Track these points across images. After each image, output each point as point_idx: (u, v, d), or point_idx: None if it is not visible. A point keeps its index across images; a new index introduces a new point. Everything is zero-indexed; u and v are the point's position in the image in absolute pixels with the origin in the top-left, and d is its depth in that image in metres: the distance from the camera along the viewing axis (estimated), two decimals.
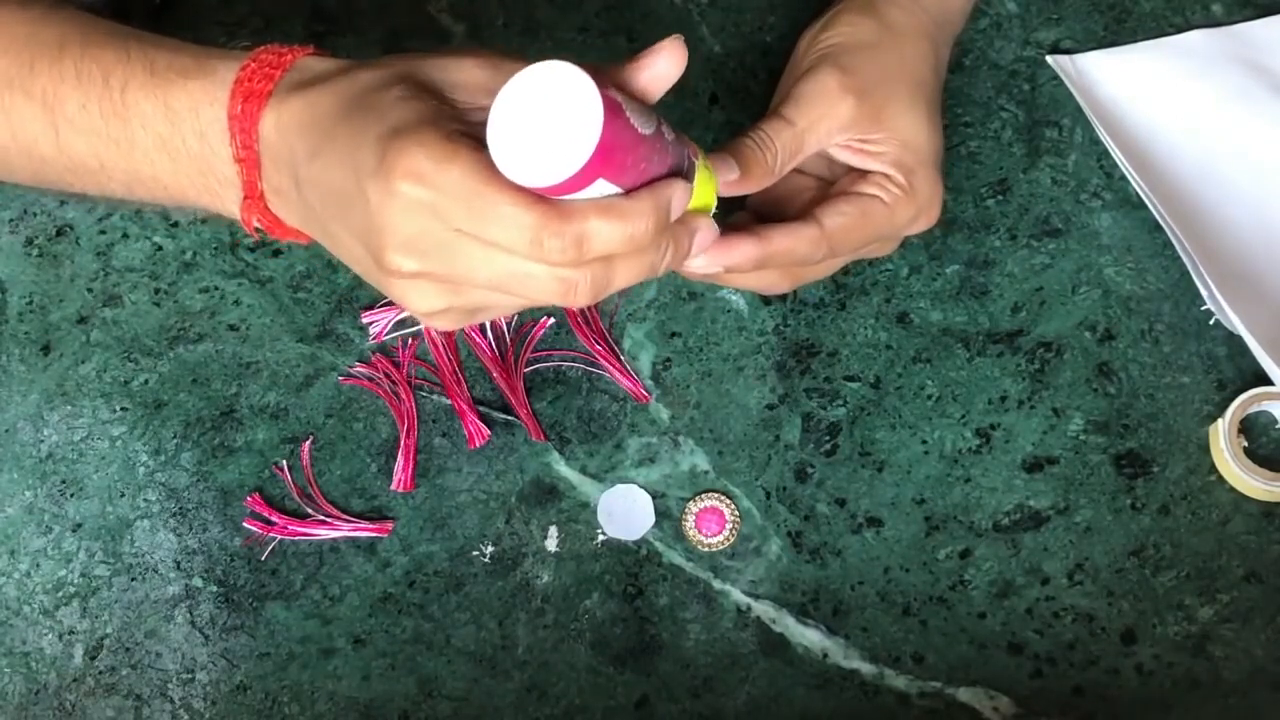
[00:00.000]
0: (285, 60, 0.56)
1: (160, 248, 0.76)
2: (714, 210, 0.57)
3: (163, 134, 0.57)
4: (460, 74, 0.53)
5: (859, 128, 0.63)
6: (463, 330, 0.74)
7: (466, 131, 0.50)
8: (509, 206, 0.48)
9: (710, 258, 0.60)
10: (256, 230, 0.58)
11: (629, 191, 0.50)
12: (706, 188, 0.56)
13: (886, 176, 0.63)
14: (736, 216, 0.65)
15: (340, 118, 0.52)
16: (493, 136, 0.48)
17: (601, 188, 0.49)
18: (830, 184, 0.66)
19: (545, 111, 0.47)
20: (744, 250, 0.60)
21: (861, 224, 0.63)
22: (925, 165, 0.64)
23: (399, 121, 0.50)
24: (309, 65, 0.56)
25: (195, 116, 0.56)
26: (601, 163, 0.47)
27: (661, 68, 0.53)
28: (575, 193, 0.48)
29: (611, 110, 0.47)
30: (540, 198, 0.48)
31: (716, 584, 0.71)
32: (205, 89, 0.56)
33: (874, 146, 0.63)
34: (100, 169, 0.59)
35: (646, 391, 0.73)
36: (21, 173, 0.62)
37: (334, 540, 0.72)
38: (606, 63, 0.53)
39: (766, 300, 0.74)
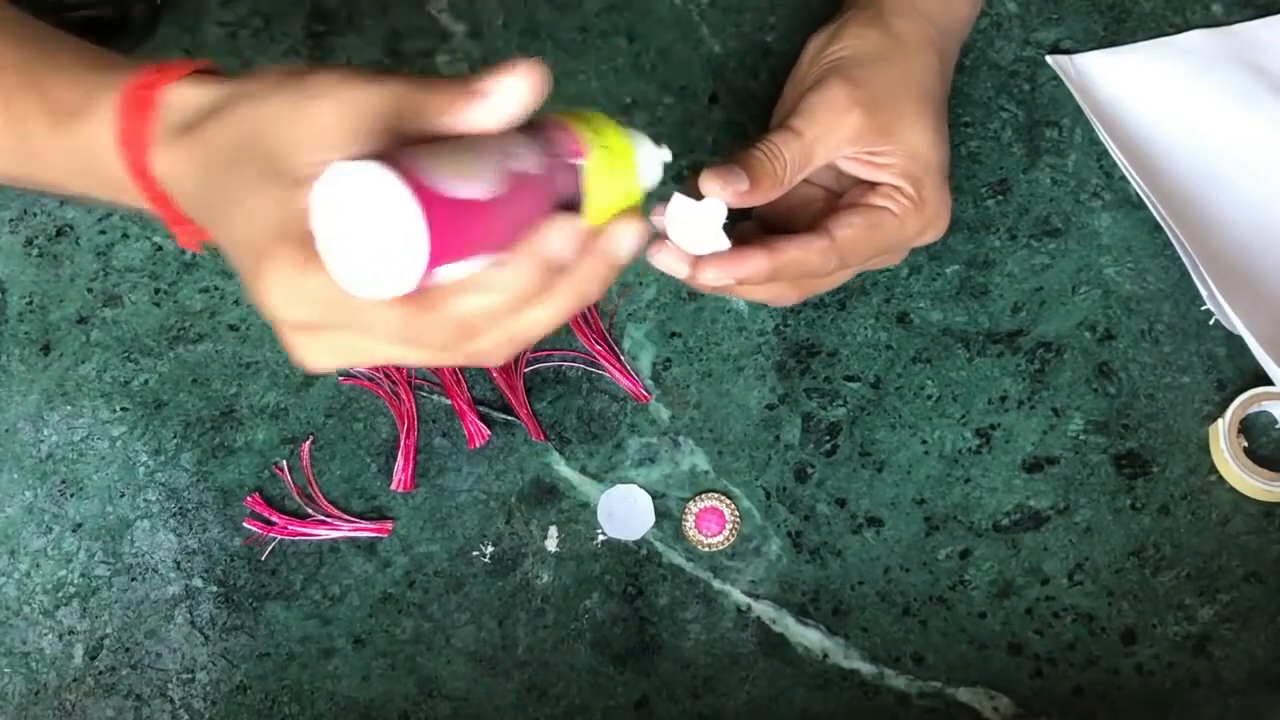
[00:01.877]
0: (152, 98, 0.51)
1: (160, 248, 0.76)
2: (647, 191, 0.51)
3: (77, 167, 0.53)
4: (307, 130, 0.47)
5: (867, 140, 0.63)
6: None
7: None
8: (374, 310, 0.45)
9: (721, 271, 0.60)
10: (202, 246, 0.54)
11: (504, 244, 0.45)
12: (610, 182, 0.49)
13: (895, 188, 0.63)
14: (742, 227, 0.65)
15: (216, 188, 0.49)
16: (324, 252, 0.43)
17: (467, 265, 0.44)
18: (838, 195, 0.66)
19: (365, 223, 0.42)
20: (755, 263, 0.60)
21: (871, 235, 0.63)
22: (933, 176, 0.64)
23: (260, 233, 0.46)
24: (183, 103, 0.50)
25: (96, 160, 0.52)
26: (445, 254, 0.42)
27: (499, 101, 0.47)
28: (438, 277, 0.44)
29: (437, 208, 0.41)
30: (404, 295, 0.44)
31: (716, 584, 0.71)
32: (96, 133, 0.52)
33: (882, 158, 0.63)
34: (28, 179, 0.56)
35: (646, 391, 0.73)
36: None
37: (334, 540, 0.72)
38: (436, 92, 0.47)
39: None
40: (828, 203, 0.66)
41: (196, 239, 0.53)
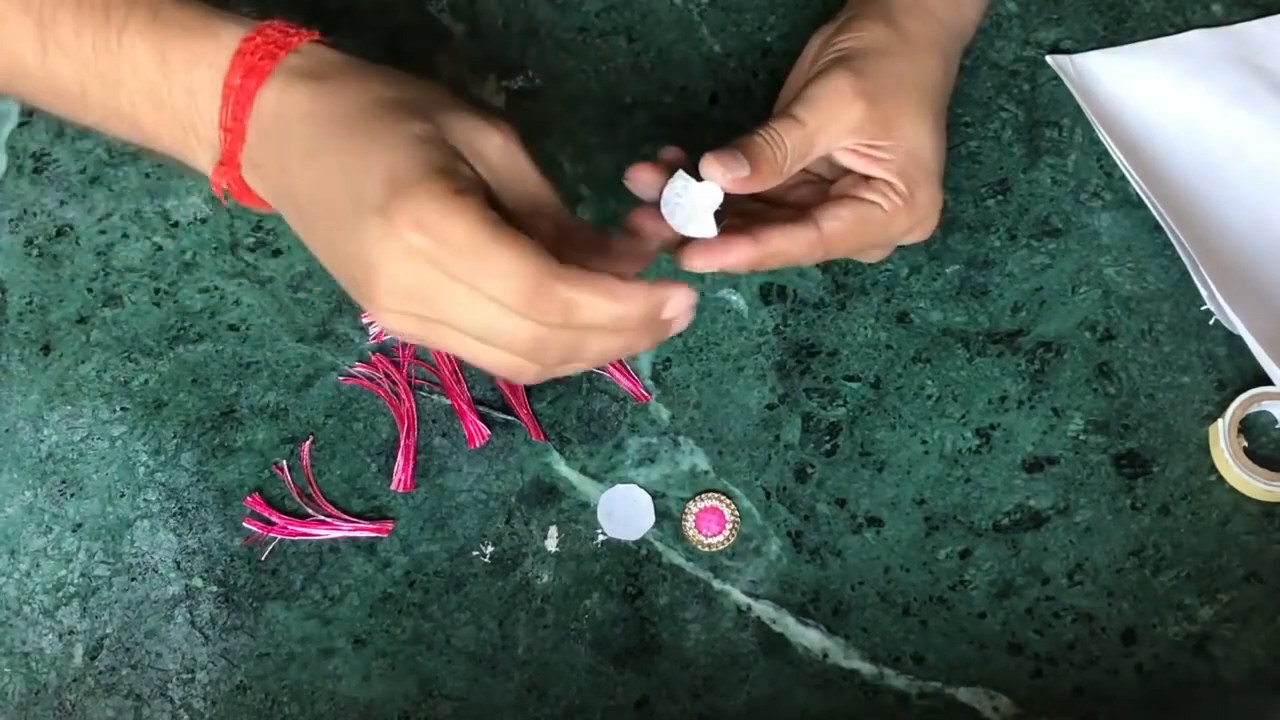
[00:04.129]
0: (292, 41, 0.56)
1: (160, 248, 0.76)
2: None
3: (152, 82, 0.57)
4: (484, 147, 0.54)
5: (868, 133, 0.63)
6: None
7: (471, 188, 0.51)
8: (512, 261, 0.50)
9: (707, 259, 0.60)
10: (224, 194, 0.58)
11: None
12: None
13: (888, 184, 0.63)
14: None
15: (348, 125, 0.53)
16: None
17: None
18: (828, 182, 0.66)
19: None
20: (741, 251, 0.60)
21: (858, 230, 0.63)
22: (928, 176, 0.64)
23: (411, 164, 0.51)
24: (318, 54, 0.56)
25: (189, 74, 0.56)
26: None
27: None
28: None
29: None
30: (542, 258, 0.50)
31: (716, 584, 0.71)
32: (205, 50, 0.56)
33: (880, 153, 0.63)
34: (81, 97, 0.59)
35: (646, 391, 0.73)
36: (0, 80, 0.61)
37: (334, 540, 0.72)
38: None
39: (767, 300, 0.74)
40: (818, 190, 0.66)
41: (233, 183, 0.57)
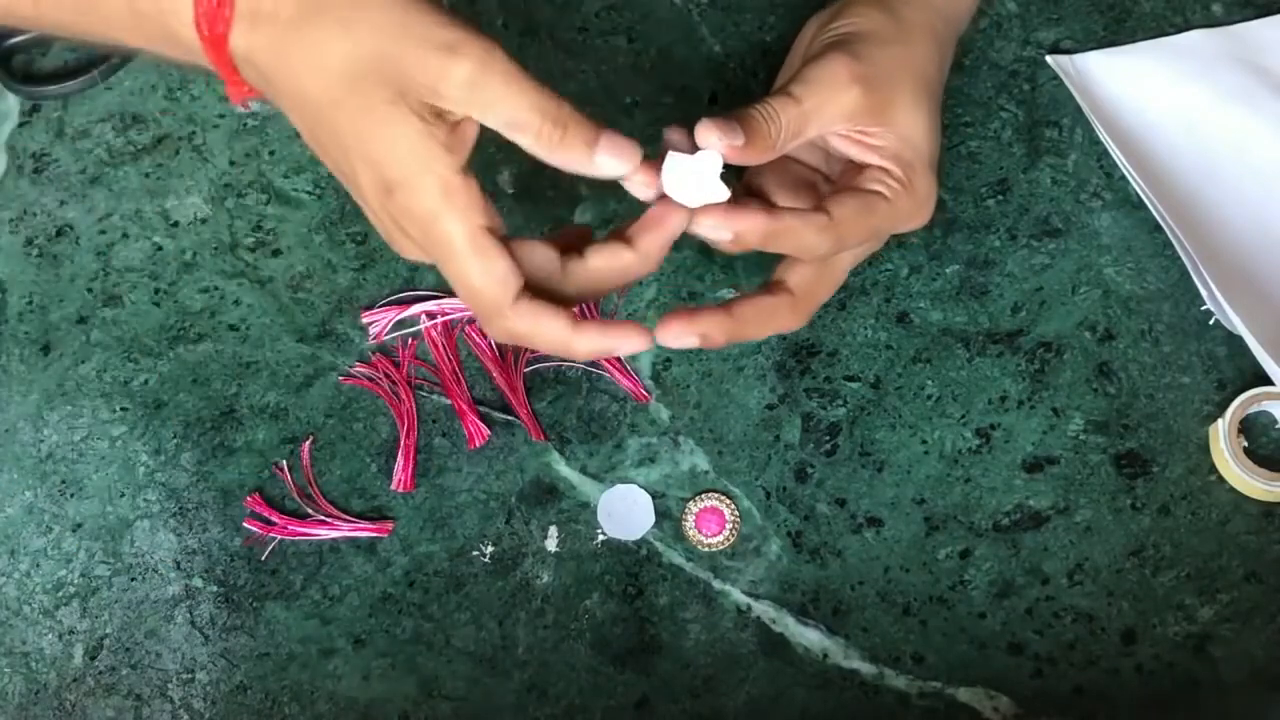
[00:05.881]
0: None
1: (160, 248, 0.76)
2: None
3: (143, 29, 0.57)
4: (450, 88, 0.55)
5: (862, 118, 0.63)
6: (463, 330, 0.74)
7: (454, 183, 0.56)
8: (468, 288, 0.57)
9: (719, 220, 0.59)
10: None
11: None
12: None
13: (885, 171, 0.63)
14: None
15: (316, 112, 0.56)
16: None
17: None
18: (827, 179, 0.66)
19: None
20: (754, 219, 0.59)
21: (866, 217, 0.62)
22: (923, 163, 0.64)
23: (393, 158, 0.55)
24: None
25: (164, 21, 0.56)
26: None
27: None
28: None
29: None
30: (499, 289, 0.56)
31: (716, 584, 0.71)
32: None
33: (874, 140, 0.63)
34: (85, 33, 0.59)
35: (646, 391, 0.73)
36: None
37: (334, 540, 0.72)
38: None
39: None
40: (817, 188, 0.65)
41: (247, 97, 0.59)
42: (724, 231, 0.59)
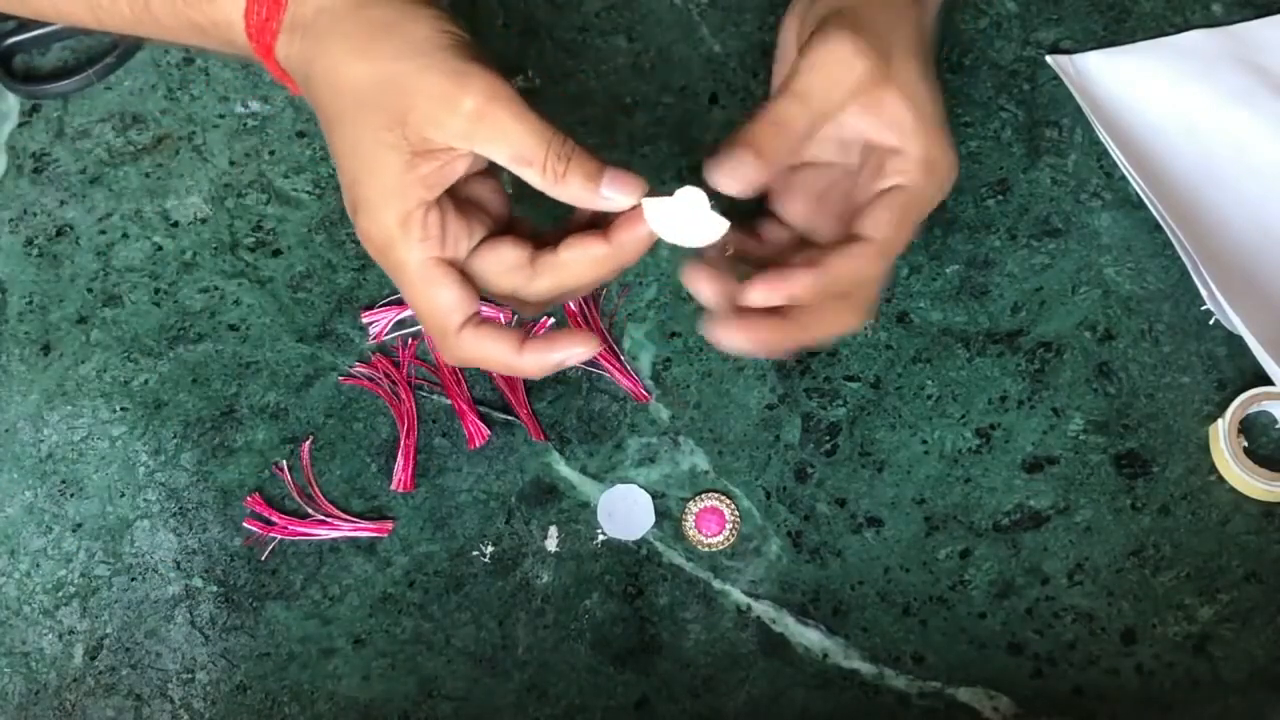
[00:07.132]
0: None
1: (160, 248, 0.76)
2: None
3: (198, 32, 0.62)
4: (452, 122, 0.57)
5: (872, 89, 0.60)
6: None
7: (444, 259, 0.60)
8: (426, 316, 0.61)
9: (770, 290, 0.59)
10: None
11: None
12: None
13: (898, 153, 0.61)
14: (766, 229, 0.65)
15: (328, 126, 0.60)
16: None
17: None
18: (851, 172, 0.64)
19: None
20: (801, 278, 0.59)
21: (904, 219, 0.61)
22: (934, 126, 0.61)
23: (384, 191, 0.58)
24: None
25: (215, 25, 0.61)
26: None
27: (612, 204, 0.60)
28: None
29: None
30: (448, 318, 0.60)
31: (716, 584, 0.71)
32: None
33: (888, 109, 0.61)
34: (144, 36, 0.65)
35: (646, 391, 0.73)
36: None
37: (334, 540, 0.72)
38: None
39: None
40: (844, 187, 0.64)
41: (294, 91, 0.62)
42: (777, 298, 0.59)
